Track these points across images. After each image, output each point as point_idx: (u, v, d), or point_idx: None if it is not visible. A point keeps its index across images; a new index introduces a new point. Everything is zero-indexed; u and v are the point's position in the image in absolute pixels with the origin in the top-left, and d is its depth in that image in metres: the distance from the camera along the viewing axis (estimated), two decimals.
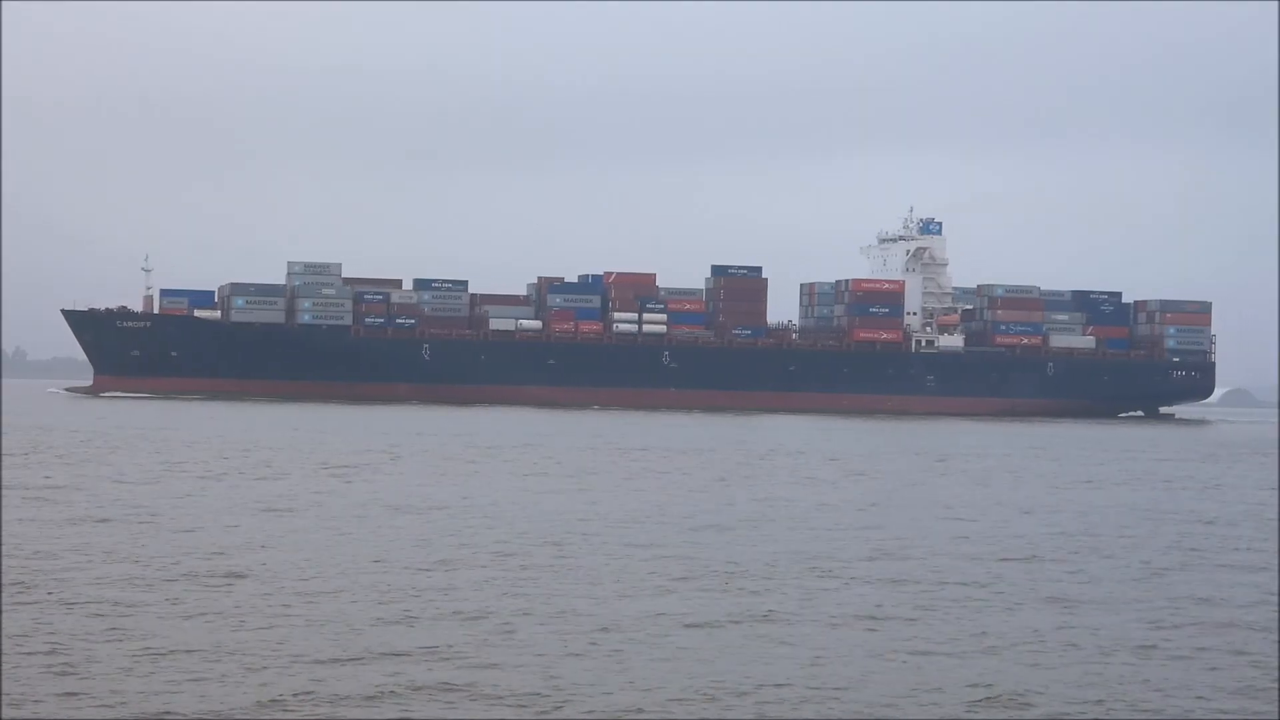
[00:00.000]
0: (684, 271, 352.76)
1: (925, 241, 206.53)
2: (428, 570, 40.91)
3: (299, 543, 46.09)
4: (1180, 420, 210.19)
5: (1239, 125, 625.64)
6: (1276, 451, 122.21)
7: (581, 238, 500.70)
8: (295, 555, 43.30)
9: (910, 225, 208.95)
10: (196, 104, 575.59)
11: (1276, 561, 48.61)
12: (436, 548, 45.46)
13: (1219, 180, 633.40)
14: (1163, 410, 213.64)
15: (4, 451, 79.53)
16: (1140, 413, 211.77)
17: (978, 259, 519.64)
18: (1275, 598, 40.87)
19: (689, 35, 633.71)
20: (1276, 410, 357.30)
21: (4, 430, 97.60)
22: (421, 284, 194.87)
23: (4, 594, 35.15)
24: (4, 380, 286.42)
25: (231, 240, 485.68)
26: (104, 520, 50.08)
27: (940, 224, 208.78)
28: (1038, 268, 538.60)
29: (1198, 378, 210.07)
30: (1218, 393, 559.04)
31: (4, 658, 28.81)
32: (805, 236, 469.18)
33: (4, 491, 57.75)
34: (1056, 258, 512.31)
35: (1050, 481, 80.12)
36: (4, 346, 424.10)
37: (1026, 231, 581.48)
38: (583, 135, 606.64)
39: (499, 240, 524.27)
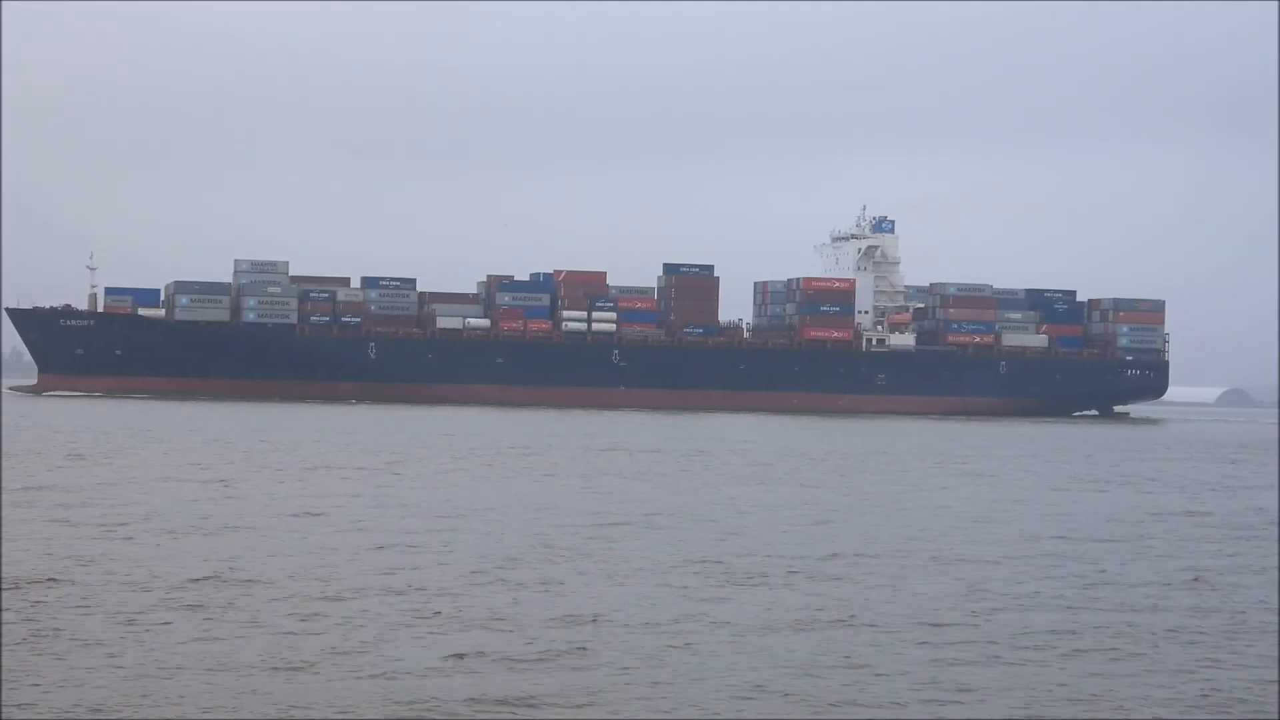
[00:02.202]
0: (637, 270, 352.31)
1: (877, 240, 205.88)
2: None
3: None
4: (1134, 419, 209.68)
5: (1239, 125, 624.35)
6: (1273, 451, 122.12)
7: (537, 237, 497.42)
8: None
9: (863, 224, 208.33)
10: (147, 100, 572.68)
11: (1277, 561, 48.47)
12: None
13: (1219, 180, 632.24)
14: (1117, 409, 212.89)
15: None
16: (1094, 411, 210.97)
17: (962, 257, 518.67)
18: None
19: (654, 33, 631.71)
20: (1276, 410, 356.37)
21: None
22: (369, 282, 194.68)
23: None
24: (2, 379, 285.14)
25: (184, 238, 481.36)
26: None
27: (893, 222, 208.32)
28: (1031, 268, 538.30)
29: (1151, 376, 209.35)
30: (1215, 392, 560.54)
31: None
32: (765, 234, 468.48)
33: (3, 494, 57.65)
34: (1056, 258, 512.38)
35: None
36: (3, 347, 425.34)
37: (1025, 231, 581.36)
38: (538, 133, 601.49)
39: (452, 239, 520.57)
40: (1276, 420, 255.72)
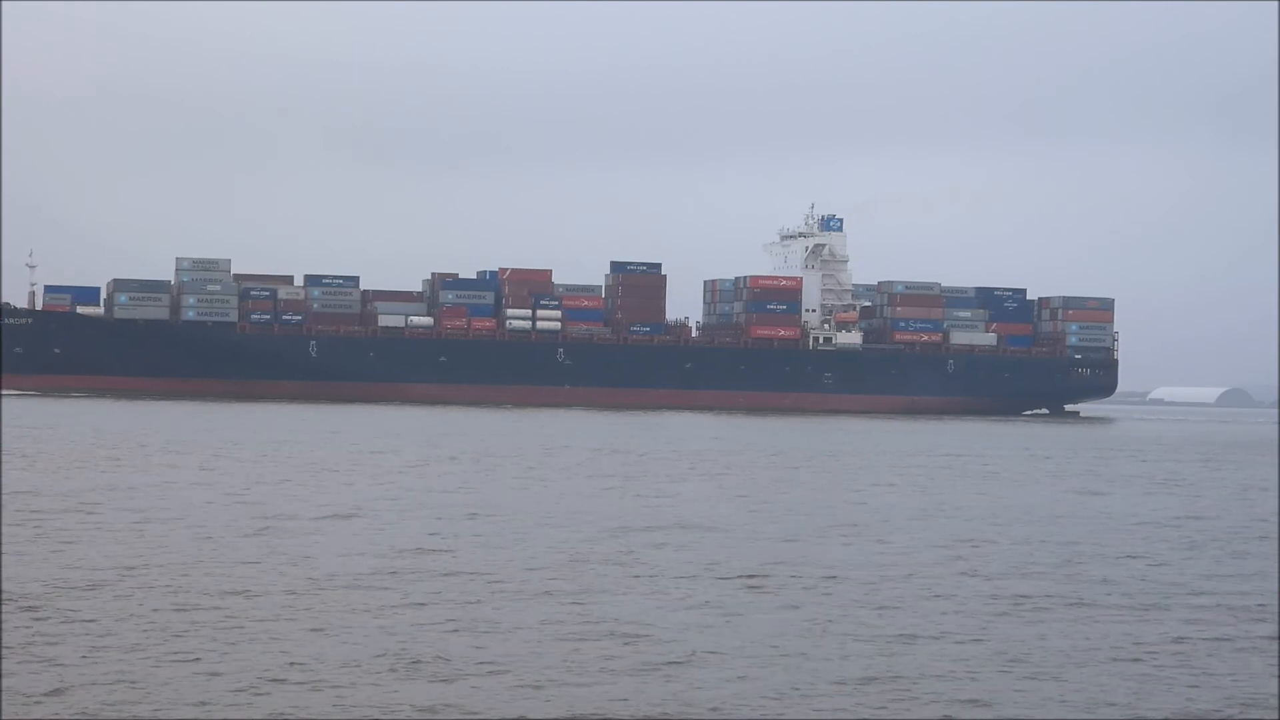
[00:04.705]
0: (585, 268, 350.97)
1: (824, 238, 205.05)
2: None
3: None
4: (1086, 418, 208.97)
5: (1239, 125, 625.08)
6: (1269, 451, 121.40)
7: (486, 235, 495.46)
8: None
9: (811, 222, 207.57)
10: (106, 93, 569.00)
11: (1277, 562, 48.01)
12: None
13: (1219, 180, 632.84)
14: (1067, 408, 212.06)
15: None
16: (1045, 410, 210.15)
17: (945, 256, 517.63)
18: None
19: (606, 31, 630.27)
20: (1276, 410, 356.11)
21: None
22: (312, 280, 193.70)
23: None
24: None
25: (129, 235, 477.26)
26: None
27: (841, 220, 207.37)
28: (1025, 268, 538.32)
29: (1101, 375, 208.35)
30: (1215, 392, 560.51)
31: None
32: (720, 232, 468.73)
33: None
34: (1055, 258, 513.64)
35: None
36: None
37: (1023, 232, 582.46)
38: (487, 132, 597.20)
39: (399, 237, 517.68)
40: (1277, 419, 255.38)
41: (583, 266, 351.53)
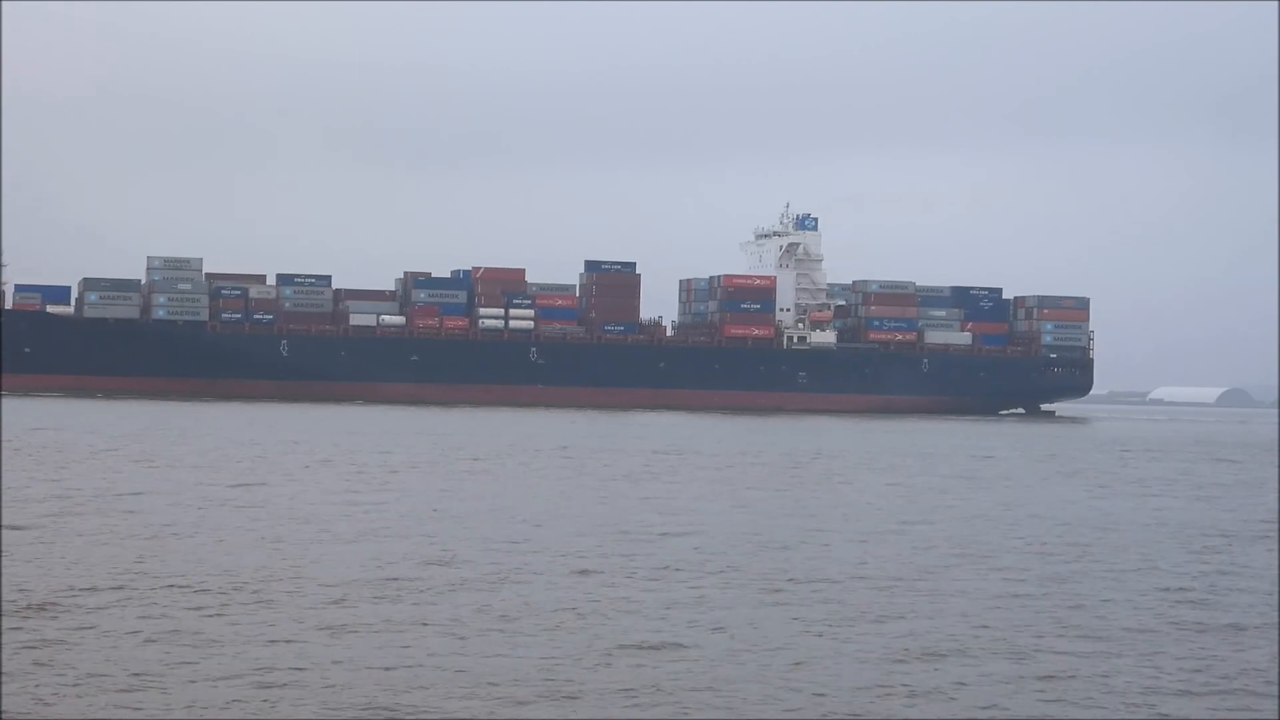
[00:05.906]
0: (560, 267, 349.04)
1: (798, 237, 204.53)
2: None
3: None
4: (1062, 418, 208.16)
5: (1239, 125, 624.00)
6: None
7: (462, 233, 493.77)
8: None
9: (786, 221, 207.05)
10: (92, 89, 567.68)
11: (1276, 562, 47.68)
12: None
13: (1219, 180, 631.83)
14: (1044, 407, 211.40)
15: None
16: (1021, 410, 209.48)
17: (945, 256, 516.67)
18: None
19: (584, 31, 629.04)
20: (1276, 410, 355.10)
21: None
22: (284, 279, 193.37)
23: None
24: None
25: (105, 234, 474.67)
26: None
27: (816, 220, 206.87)
28: (1021, 269, 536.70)
29: (1077, 374, 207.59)
30: (1215, 392, 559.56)
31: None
32: (699, 231, 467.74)
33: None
34: (1057, 259, 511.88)
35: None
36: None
37: (1026, 232, 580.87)
38: (463, 131, 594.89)
39: (402, 237, 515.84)
40: (1277, 420, 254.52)
41: (559, 266, 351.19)
